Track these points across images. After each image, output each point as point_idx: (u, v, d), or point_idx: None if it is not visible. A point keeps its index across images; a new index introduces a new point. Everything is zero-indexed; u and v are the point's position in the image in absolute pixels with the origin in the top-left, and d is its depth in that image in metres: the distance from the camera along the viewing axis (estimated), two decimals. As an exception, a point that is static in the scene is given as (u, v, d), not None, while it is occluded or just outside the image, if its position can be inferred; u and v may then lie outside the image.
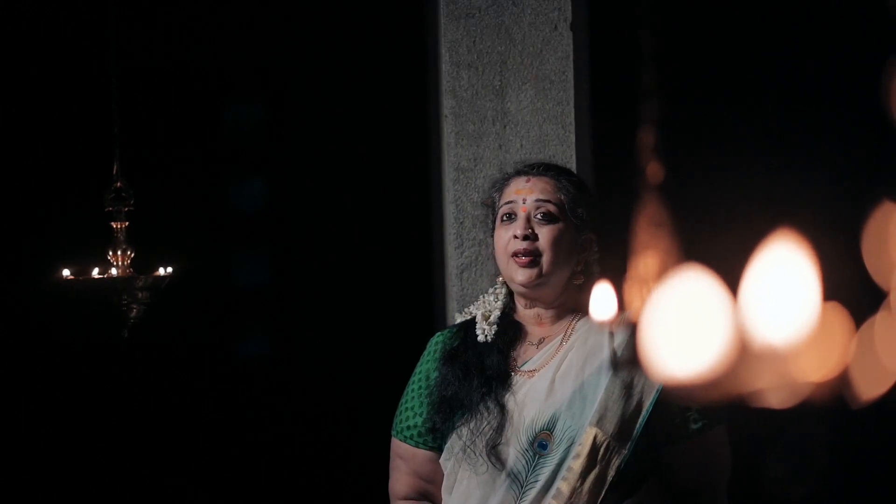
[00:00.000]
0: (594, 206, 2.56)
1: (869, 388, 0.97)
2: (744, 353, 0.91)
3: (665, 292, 0.96)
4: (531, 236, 2.46)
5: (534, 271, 2.46)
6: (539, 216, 2.48)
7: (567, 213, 2.48)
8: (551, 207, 2.48)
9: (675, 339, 0.95)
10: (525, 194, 2.50)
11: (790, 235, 0.93)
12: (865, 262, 0.99)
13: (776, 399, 0.97)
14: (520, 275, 2.47)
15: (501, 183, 2.58)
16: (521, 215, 2.48)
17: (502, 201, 2.53)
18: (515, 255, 2.47)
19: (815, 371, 0.94)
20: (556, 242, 2.46)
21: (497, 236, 2.52)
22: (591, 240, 2.52)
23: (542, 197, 2.49)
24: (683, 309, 0.96)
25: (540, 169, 2.55)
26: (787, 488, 3.64)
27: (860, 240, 0.99)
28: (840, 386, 0.96)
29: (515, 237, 2.47)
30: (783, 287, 0.93)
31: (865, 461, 3.71)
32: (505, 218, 2.51)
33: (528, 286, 2.48)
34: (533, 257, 2.46)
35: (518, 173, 2.56)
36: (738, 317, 0.91)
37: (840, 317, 0.97)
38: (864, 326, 0.97)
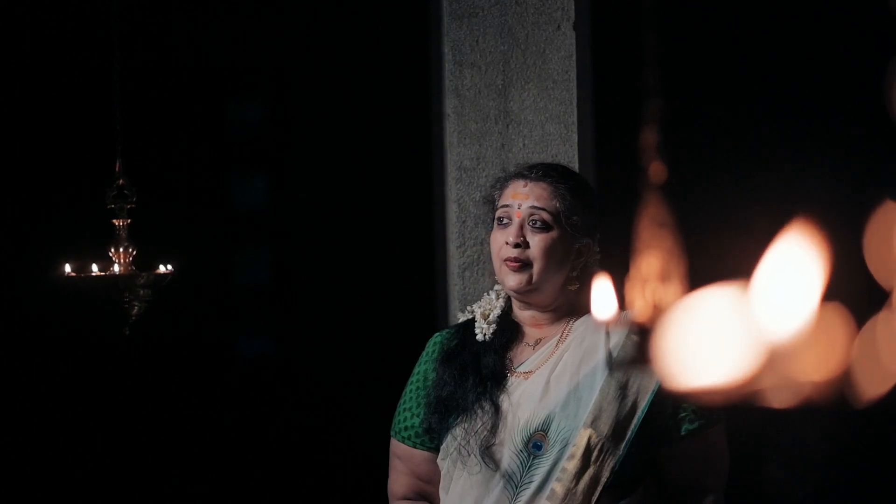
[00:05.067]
0: (593, 210, 2.54)
1: (871, 388, 0.97)
2: (753, 356, 0.90)
3: (687, 303, 0.96)
4: (522, 244, 2.46)
5: (524, 277, 2.46)
6: (532, 224, 2.47)
7: (561, 221, 2.47)
8: (545, 216, 2.47)
9: (695, 348, 0.94)
10: (521, 199, 2.49)
11: (798, 231, 0.93)
12: (867, 262, 0.99)
13: (777, 399, 0.96)
14: (510, 280, 2.47)
15: (502, 183, 2.57)
16: (516, 221, 2.48)
17: (500, 203, 2.53)
18: (507, 260, 2.47)
19: (817, 370, 0.94)
20: (548, 251, 2.46)
21: (493, 238, 2.52)
22: (588, 245, 2.51)
23: (537, 204, 2.48)
24: (705, 319, 0.95)
25: (539, 173, 2.53)
26: (788, 489, 3.64)
27: (862, 239, 0.99)
28: (842, 386, 0.96)
29: (507, 243, 2.47)
30: (785, 285, 0.92)
31: (867, 462, 3.70)
32: (500, 221, 2.50)
33: (519, 292, 2.48)
34: (523, 264, 2.46)
35: (518, 175, 2.55)
36: (747, 319, 0.91)
37: (841, 316, 0.97)
38: (866, 326, 0.97)
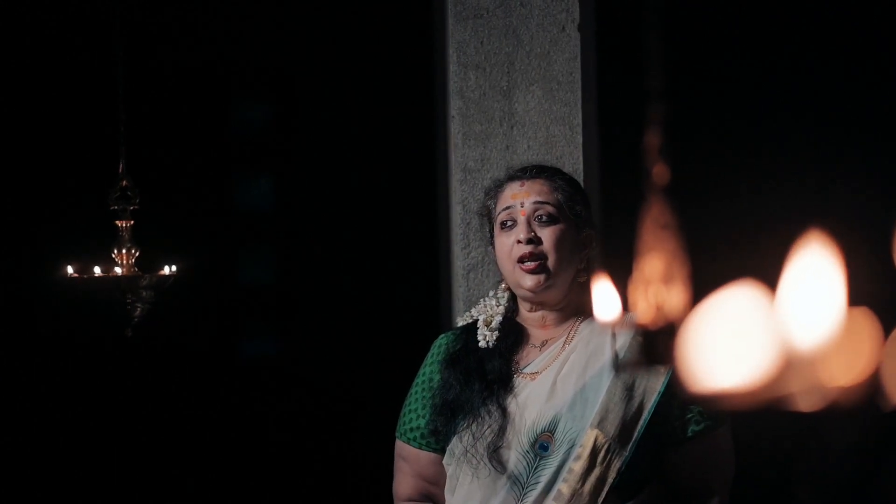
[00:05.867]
0: (588, 202, 2.57)
1: (900, 392, 0.96)
2: (779, 359, 0.90)
3: (712, 301, 0.95)
4: (535, 239, 2.45)
5: (541, 276, 2.45)
6: (539, 218, 2.47)
7: (566, 212, 2.48)
8: (550, 208, 2.47)
9: (721, 347, 0.94)
10: (522, 198, 2.48)
11: (817, 237, 0.92)
12: (896, 266, 0.99)
13: (805, 403, 0.96)
14: (528, 281, 2.46)
15: (495, 190, 2.56)
16: (522, 219, 2.47)
17: (499, 208, 2.51)
18: (521, 260, 2.45)
19: (845, 375, 0.94)
20: (560, 243, 2.46)
21: (499, 244, 2.50)
22: (591, 236, 2.52)
23: (539, 199, 2.48)
24: (730, 318, 0.95)
25: (533, 172, 2.54)
26: (816, 497, 3.62)
27: (891, 243, 0.99)
28: (871, 390, 0.96)
29: (519, 242, 2.45)
30: (810, 290, 0.92)
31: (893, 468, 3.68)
32: (504, 224, 2.49)
33: (537, 291, 2.47)
34: (539, 261, 2.45)
35: (511, 178, 2.55)
36: (772, 322, 0.91)
37: (869, 321, 0.96)
38: (895, 331, 0.97)
